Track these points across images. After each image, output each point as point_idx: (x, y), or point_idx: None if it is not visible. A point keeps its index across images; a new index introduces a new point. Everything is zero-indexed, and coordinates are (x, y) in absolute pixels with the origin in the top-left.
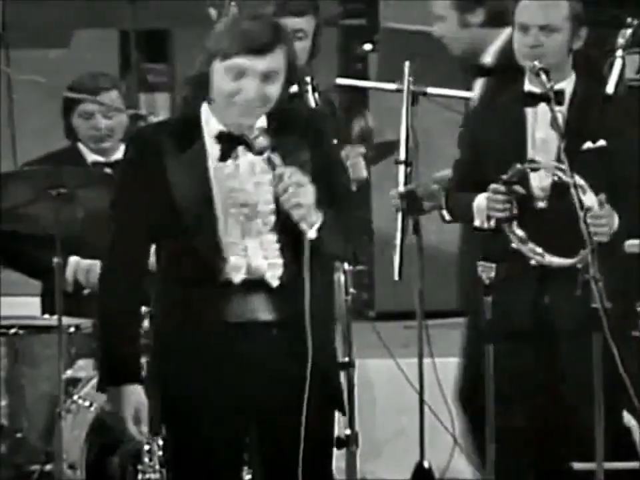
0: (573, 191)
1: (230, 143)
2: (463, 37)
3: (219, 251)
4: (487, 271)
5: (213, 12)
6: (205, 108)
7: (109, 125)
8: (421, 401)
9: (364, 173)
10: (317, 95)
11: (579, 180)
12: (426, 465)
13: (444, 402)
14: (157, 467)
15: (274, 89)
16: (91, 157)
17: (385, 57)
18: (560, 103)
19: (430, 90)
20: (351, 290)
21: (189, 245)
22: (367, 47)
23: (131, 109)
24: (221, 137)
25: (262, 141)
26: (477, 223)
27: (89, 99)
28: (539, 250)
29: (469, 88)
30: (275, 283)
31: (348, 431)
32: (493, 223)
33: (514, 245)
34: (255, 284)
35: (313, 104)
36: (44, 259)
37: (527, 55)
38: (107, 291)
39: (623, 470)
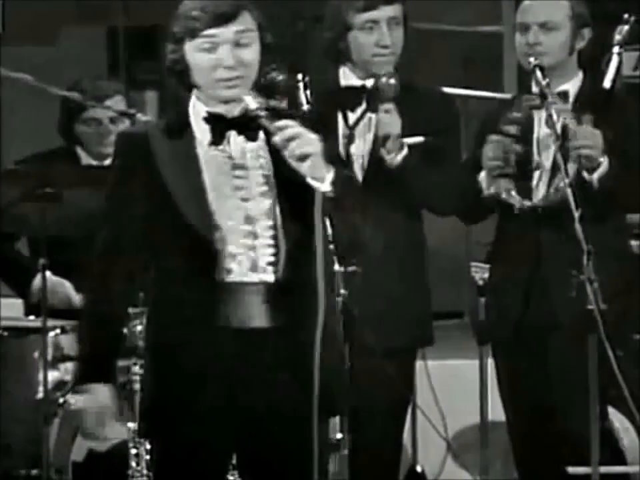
0: (568, 190)
1: (219, 125)
2: None
3: (214, 236)
4: (480, 272)
5: None
6: (193, 98)
7: (115, 130)
8: (413, 405)
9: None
10: (308, 92)
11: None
12: (418, 469)
13: (436, 405)
14: (145, 471)
15: (250, 53)
16: (87, 160)
17: None
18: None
19: None
20: (342, 291)
21: (185, 232)
22: None
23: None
24: (209, 120)
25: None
26: (484, 188)
27: (98, 105)
28: (527, 202)
29: (468, 86)
30: (270, 278)
31: (339, 435)
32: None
33: (501, 195)
34: (251, 282)
35: (304, 101)
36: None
37: (526, 54)
38: (96, 293)
39: (615, 474)
